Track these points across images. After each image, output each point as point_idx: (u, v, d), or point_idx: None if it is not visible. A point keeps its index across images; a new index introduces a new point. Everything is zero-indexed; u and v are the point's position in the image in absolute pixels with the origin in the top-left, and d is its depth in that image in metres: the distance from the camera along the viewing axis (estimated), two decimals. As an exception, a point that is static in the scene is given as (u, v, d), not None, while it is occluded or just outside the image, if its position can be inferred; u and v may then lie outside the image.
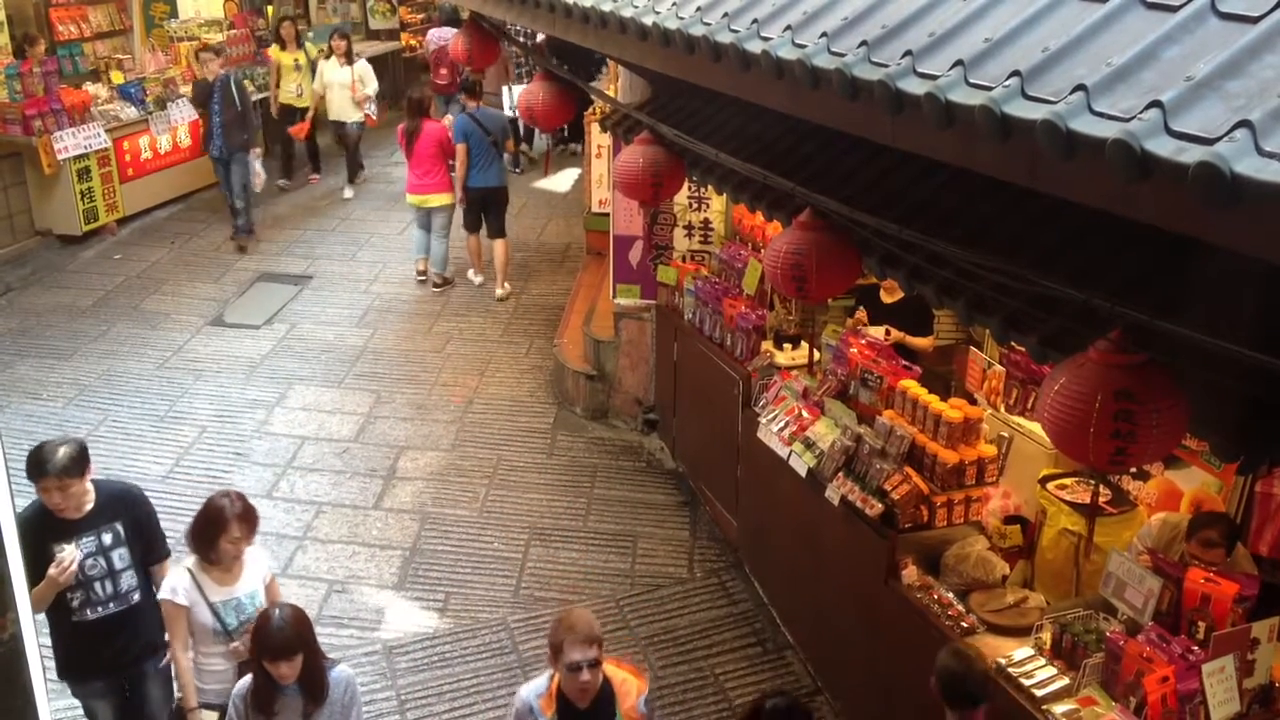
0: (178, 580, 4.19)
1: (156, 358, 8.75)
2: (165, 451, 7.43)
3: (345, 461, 7.46)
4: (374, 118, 12.54)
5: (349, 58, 12.13)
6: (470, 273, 10.48)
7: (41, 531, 4.09)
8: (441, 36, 12.97)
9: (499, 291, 10.15)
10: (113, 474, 7.04)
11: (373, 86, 12.39)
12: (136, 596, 4.34)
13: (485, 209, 9.97)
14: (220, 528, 4.12)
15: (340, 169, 13.09)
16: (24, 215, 10.78)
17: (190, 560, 4.24)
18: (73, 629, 4.28)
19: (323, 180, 13.19)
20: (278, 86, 12.44)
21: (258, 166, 10.83)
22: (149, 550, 4.41)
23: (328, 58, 12.27)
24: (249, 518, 4.20)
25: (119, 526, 4.30)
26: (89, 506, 4.23)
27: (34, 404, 7.99)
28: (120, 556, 4.29)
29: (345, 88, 12.09)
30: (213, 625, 4.20)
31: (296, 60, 12.41)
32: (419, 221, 10.32)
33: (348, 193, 12.65)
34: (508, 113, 11.49)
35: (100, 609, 4.28)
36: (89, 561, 4.21)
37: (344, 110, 12.24)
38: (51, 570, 4.06)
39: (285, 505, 6.94)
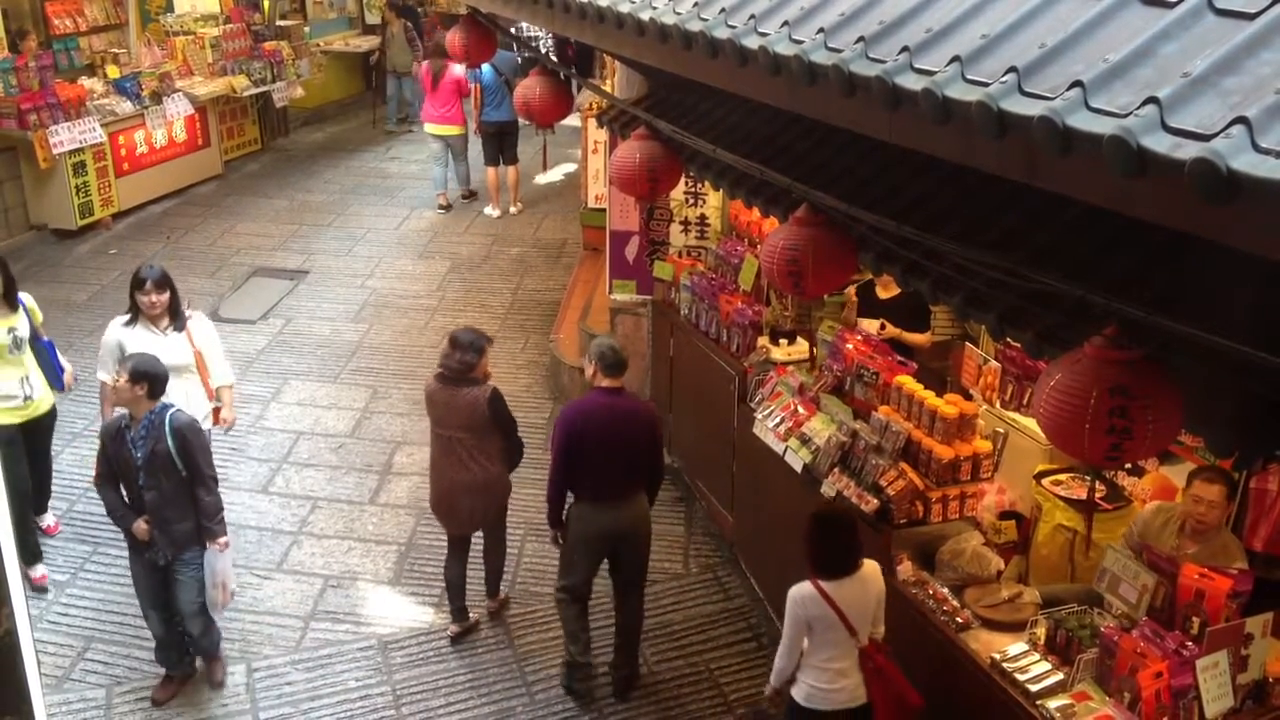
0: None
1: (152, 352, 8.72)
2: (161, 446, 7.41)
3: (341, 457, 7.46)
4: (229, 415, 6.17)
5: (174, 318, 5.88)
6: (488, 208, 12.01)
7: None
8: None
9: (513, 209, 11.96)
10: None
11: (223, 369, 6.10)
12: None
13: (500, 141, 11.71)
14: None
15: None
16: (19, 210, 10.76)
17: None
18: None
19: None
20: None
21: (226, 563, 5.25)
22: None
23: (130, 323, 5.83)
24: None
25: None
26: None
27: (29, 398, 7.96)
28: None
29: (184, 374, 5.79)
30: None
31: (13, 330, 5.94)
32: (438, 158, 12.05)
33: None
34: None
35: None
36: None
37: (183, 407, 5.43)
38: None
39: (281, 500, 6.94)
